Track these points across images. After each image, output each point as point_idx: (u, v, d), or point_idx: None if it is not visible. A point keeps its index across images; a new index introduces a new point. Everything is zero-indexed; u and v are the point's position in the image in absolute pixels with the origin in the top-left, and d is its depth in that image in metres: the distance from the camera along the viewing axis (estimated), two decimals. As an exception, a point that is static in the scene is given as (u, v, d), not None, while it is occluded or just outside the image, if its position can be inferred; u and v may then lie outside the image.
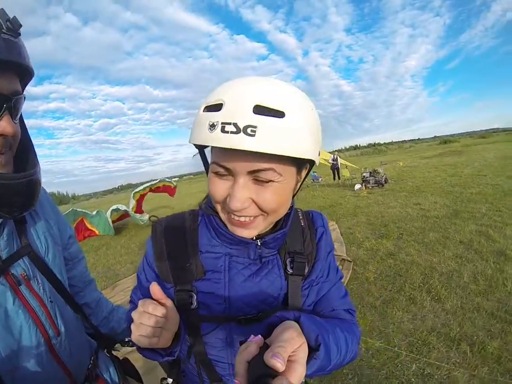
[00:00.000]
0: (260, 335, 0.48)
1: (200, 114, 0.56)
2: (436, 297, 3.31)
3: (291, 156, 0.52)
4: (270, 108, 0.50)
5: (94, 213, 9.42)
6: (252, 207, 0.59)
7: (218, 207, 0.64)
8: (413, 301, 3.28)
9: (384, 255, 4.70)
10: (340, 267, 4.30)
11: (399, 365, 2.42)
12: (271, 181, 0.56)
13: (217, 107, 0.52)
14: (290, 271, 0.71)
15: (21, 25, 0.58)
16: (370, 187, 11.74)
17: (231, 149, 0.50)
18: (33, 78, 0.72)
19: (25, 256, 0.77)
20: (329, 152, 16.78)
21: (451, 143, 52.82)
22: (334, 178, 15.99)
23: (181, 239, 0.73)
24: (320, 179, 15.89)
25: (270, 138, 0.50)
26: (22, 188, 0.68)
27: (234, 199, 0.56)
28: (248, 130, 0.49)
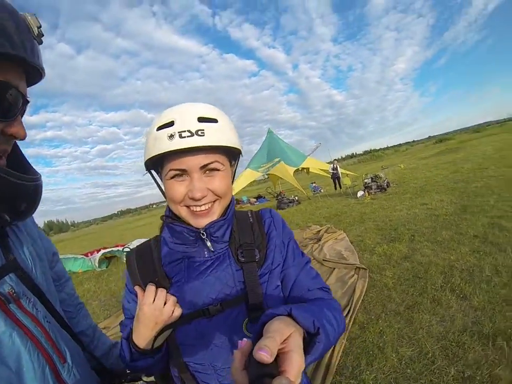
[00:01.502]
0: (245, 339, 0.47)
1: (154, 133, 0.71)
2: (461, 295, 3.17)
3: (228, 146, 0.73)
4: (208, 118, 0.71)
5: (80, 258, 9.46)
6: (209, 194, 0.74)
7: (178, 207, 0.76)
8: (438, 302, 3.13)
9: (399, 258, 4.56)
10: (355, 276, 4.17)
11: (437, 372, 2.26)
12: (217, 170, 0.74)
13: (169, 124, 0.69)
14: (242, 259, 0.79)
15: (43, 34, 0.62)
16: (373, 193, 11.68)
17: (184, 153, 0.69)
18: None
19: (11, 273, 0.66)
20: (328, 163, 16.81)
21: (447, 141, 53.28)
22: (336, 188, 15.87)
23: (148, 260, 0.84)
24: (321, 190, 15.85)
25: (214, 135, 0.70)
26: (29, 190, 0.64)
27: (195, 189, 0.71)
28: (199, 132, 0.68)
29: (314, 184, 16.42)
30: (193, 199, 0.72)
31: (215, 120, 0.71)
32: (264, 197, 20.34)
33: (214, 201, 0.76)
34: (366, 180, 12.39)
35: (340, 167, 15.96)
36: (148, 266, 0.82)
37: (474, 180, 9.17)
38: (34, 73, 0.64)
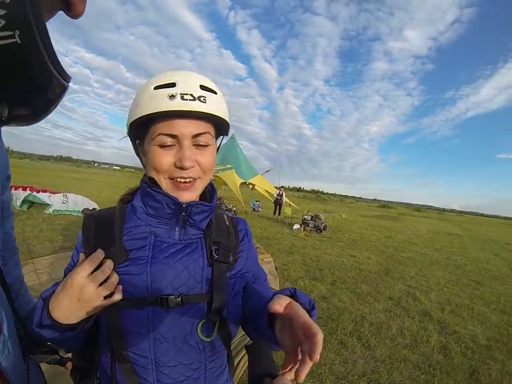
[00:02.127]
0: (277, 303, 0.56)
1: (151, 91, 0.67)
2: (366, 345, 3.37)
3: (224, 117, 0.72)
4: (209, 88, 0.70)
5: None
6: (196, 167, 0.72)
7: (161, 178, 0.72)
8: (344, 345, 3.30)
9: (318, 297, 4.75)
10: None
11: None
12: (208, 144, 0.72)
13: (170, 85, 0.67)
14: (216, 257, 0.76)
15: None
16: (308, 230, 12.06)
17: (178, 118, 0.67)
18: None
19: None
20: (275, 187, 17.09)
21: (389, 209, 57.26)
22: (275, 213, 16.02)
23: (109, 228, 0.75)
24: (260, 209, 16.03)
25: (214, 104, 0.69)
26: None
27: (185, 158, 0.68)
28: (201, 98, 0.67)
29: (257, 202, 16.58)
30: (181, 168, 0.69)
31: (214, 92, 0.71)
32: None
33: (196, 178, 0.73)
34: (306, 216, 12.78)
35: (285, 195, 16.30)
36: (107, 235, 0.74)
37: (402, 250, 9.97)
38: None
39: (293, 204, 16.61)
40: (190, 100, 0.65)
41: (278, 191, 16.14)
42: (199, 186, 0.75)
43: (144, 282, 0.70)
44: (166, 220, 0.75)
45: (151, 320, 0.69)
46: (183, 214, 0.74)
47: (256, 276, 0.87)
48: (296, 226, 12.32)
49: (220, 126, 0.76)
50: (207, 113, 0.67)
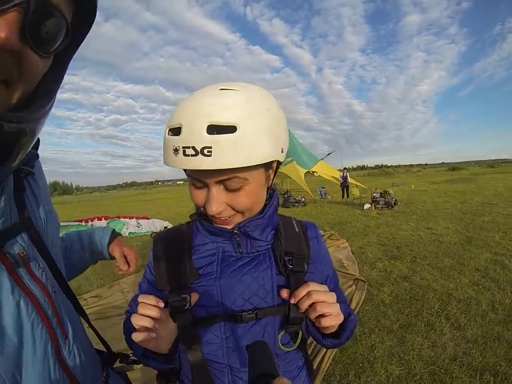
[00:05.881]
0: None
1: (166, 137, 0.62)
2: (456, 325, 3.20)
3: (249, 165, 0.57)
4: (222, 126, 0.55)
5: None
6: (227, 209, 0.67)
7: (202, 209, 0.71)
8: (432, 327, 3.17)
9: (399, 277, 4.60)
10: (353, 287, 4.22)
11: (423, 394, 2.31)
12: (239, 187, 0.64)
13: (177, 131, 0.58)
14: (291, 267, 0.73)
15: None
16: (380, 208, 11.65)
17: None
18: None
19: (23, 232, 0.58)
20: (339, 170, 16.74)
21: (460, 170, 52.70)
22: (343, 196, 15.84)
23: (177, 245, 0.78)
24: (328, 196, 15.82)
25: (224, 155, 0.55)
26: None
27: (210, 206, 0.65)
28: (205, 151, 0.55)
29: (323, 189, 16.41)
30: (207, 213, 0.68)
31: (232, 129, 0.55)
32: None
33: (233, 215, 0.70)
34: (374, 194, 12.34)
35: (349, 176, 15.92)
36: (176, 255, 0.77)
37: (482, 214, 9.12)
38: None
39: (359, 184, 16.13)
40: (191, 155, 0.56)
41: (342, 173, 15.86)
42: (239, 219, 0.72)
43: (215, 297, 0.72)
44: (229, 238, 0.76)
45: (223, 332, 0.72)
46: (238, 236, 0.74)
47: (329, 280, 0.87)
48: (367, 205, 11.99)
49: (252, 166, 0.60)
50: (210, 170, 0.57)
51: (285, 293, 0.69)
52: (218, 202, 0.65)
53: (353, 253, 5.94)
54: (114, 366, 0.90)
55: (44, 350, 0.56)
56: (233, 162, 0.56)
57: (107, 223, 9.70)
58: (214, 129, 0.55)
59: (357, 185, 15.62)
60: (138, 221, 10.05)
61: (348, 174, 15.81)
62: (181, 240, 0.79)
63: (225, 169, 0.58)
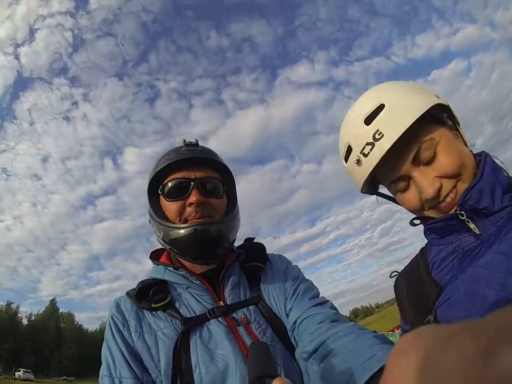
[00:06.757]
0: None
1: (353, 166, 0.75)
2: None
3: (413, 120, 0.62)
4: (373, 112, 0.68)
5: None
6: (444, 182, 0.63)
7: (423, 213, 0.72)
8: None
9: None
10: None
11: None
12: (434, 150, 0.62)
13: (348, 151, 0.75)
14: None
15: (191, 143, 0.96)
16: None
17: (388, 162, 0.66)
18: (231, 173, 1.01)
19: (252, 305, 0.88)
20: None
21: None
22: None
23: (415, 273, 0.75)
24: None
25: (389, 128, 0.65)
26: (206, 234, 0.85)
27: (425, 190, 0.63)
28: (376, 135, 0.64)
29: None
30: (426, 199, 0.66)
31: (380, 107, 0.67)
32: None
33: (451, 189, 0.64)
34: None
35: None
36: (415, 281, 0.75)
37: None
38: (212, 164, 0.95)
39: None
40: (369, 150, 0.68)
41: None
42: (462, 189, 0.65)
43: (461, 300, 0.62)
44: (457, 232, 0.68)
45: None
46: (464, 217, 0.65)
47: None
48: None
49: (423, 124, 0.66)
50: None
51: None
52: (429, 180, 0.62)
53: None
54: None
55: (240, 375, 0.73)
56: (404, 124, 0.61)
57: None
58: (370, 119, 0.68)
59: None
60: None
61: None
62: (417, 264, 0.78)
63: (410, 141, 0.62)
